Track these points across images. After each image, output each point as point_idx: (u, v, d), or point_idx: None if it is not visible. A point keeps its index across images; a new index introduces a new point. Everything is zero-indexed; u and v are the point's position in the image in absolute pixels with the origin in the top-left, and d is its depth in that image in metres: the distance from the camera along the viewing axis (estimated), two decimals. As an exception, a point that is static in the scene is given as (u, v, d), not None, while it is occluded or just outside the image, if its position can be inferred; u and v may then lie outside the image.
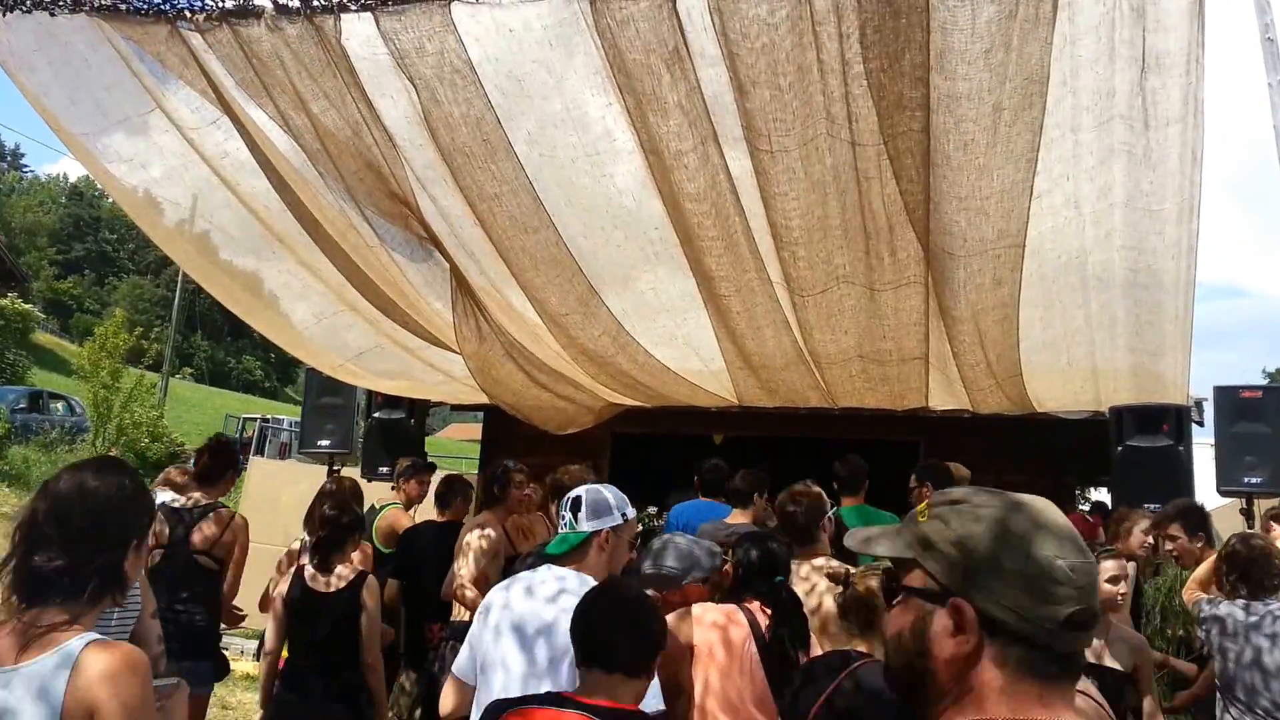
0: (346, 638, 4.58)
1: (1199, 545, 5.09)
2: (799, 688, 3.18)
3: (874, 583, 3.21)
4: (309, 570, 4.68)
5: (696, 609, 3.58)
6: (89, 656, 1.94)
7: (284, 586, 4.75)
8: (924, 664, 1.30)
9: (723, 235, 4.37)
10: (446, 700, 3.35)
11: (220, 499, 5.60)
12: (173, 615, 4.97)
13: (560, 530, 3.45)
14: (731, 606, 3.57)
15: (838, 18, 3.42)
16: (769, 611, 3.55)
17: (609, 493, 3.47)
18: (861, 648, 3.15)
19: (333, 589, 4.62)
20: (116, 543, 2.08)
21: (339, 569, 4.67)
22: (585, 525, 3.34)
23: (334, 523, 4.74)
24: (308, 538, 5.06)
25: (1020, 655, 1.24)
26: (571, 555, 3.33)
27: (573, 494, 3.44)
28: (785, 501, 4.41)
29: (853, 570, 3.41)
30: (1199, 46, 3.36)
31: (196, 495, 5.49)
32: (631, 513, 3.51)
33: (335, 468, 7.85)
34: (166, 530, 5.25)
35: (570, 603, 2.92)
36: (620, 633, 2.63)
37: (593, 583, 3.16)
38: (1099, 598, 1.29)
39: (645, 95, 3.82)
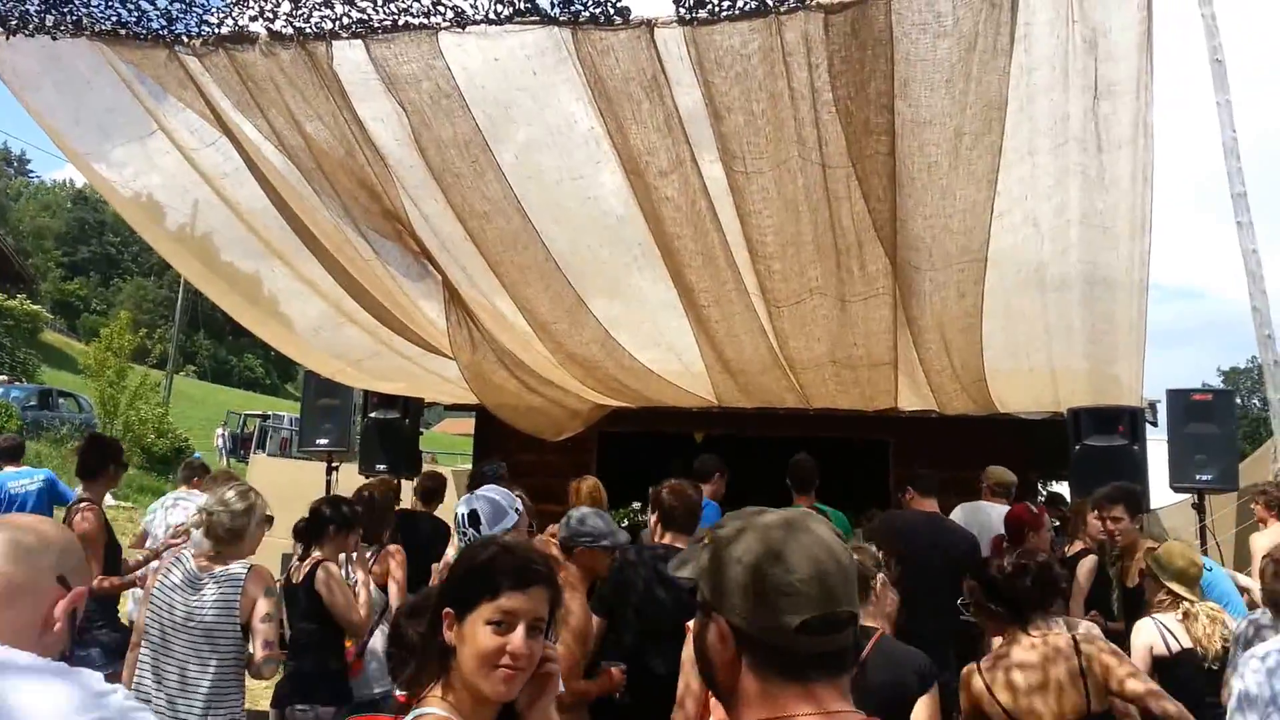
0: (317, 622, 4.73)
1: (1137, 527, 5.33)
2: None
3: (864, 558, 3.50)
4: (294, 562, 4.93)
5: None
6: None
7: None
8: (707, 668, 1.45)
9: (702, 250, 4.57)
10: None
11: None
12: None
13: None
14: None
15: (807, 49, 3.61)
16: None
17: (498, 494, 3.65)
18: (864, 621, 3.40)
19: (300, 578, 4.81)
20: None
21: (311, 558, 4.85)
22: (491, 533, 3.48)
23: (314, 513, 4.96)
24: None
25: (771, 660, 1.37)
26: None
27: (465, 510, 3.57)
28: None
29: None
30: (1148, 74, 3.57)
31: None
32: (520, 505, 3.70)
33: (334, 464, 8.08)
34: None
35: None
36: None
37: None
38: (845, 605, 1.38)
39: (626, 119, 4.01)
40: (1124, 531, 5.24)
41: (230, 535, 4.01)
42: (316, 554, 4.90)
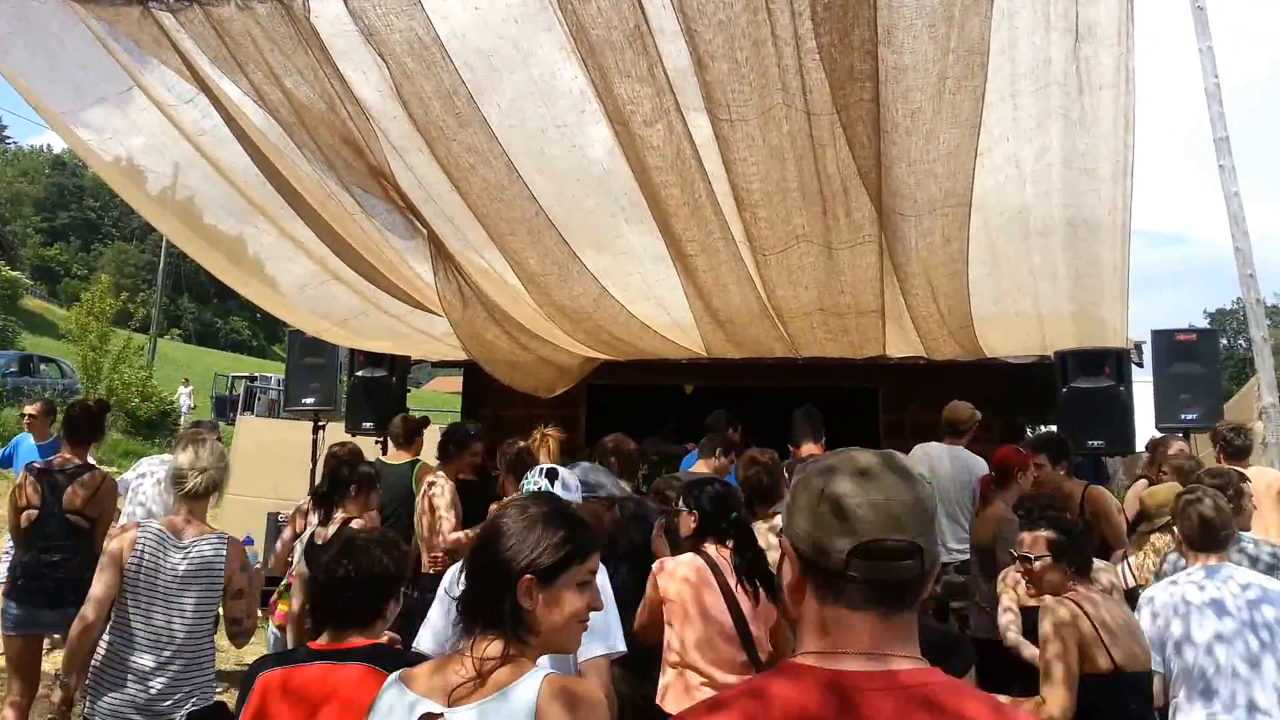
0: None
1: (1061, 473, 5.65)
2: None
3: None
4: (317, 529, 5.03)
5: (668, 563, 3.91)
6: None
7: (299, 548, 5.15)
8: (781, 595, 1.50)
9: (688, 200, 4.56)
10: None
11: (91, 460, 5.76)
12: (49, 569, 5.33)
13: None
14: (691, 556, 3.90)
15: (789, -5, 3.60)
16: (728, 547, 3.88)
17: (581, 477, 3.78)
18: None
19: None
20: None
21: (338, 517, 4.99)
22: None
23: (332, 475, 5.09)
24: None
25: (829, 583, 1.34)
26: None
27: (547, 466, 3.67)
28: (749, 468, 4.73)
29: None
30: (1129, 20, 3.58)
31: (68, 455, 5.62)
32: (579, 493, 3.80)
33: (320, 424, 8.08)
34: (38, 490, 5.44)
35: None
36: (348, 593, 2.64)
37: None
38: (907, 535, 1.33)
39: (609, 69, 3.97)
40: (1045, 478, 5.53)
41: (214, 489, 4.05)
42: (340, 514, 4.98)
